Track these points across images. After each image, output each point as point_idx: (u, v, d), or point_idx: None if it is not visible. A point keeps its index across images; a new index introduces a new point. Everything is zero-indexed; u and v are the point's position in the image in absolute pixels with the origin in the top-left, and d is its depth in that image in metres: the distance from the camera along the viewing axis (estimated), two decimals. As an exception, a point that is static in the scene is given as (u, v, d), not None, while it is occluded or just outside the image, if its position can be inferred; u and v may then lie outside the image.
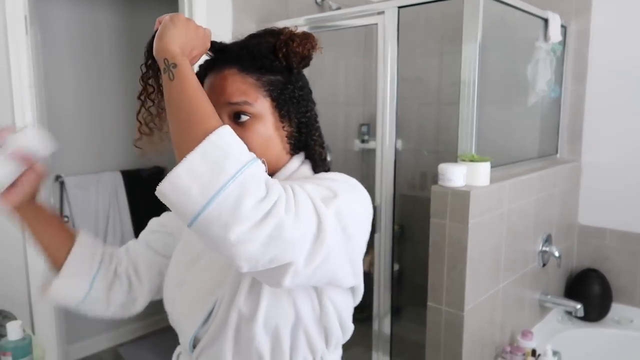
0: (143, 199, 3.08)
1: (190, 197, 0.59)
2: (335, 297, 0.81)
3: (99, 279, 0.94)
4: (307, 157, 0.88)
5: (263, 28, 0.86)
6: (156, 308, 3.50)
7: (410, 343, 2.14)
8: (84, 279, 0.92)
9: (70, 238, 0.94)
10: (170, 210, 0.65)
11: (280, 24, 2.51)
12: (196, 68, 0.83)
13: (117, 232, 2.94)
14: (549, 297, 2.15)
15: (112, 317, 0.99)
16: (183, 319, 0.90)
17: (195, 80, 0.68)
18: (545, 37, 2.08)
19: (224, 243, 0.60)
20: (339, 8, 2.47)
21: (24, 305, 1.85)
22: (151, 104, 0.86)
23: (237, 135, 0.68)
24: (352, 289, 0.84)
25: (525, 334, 1.90)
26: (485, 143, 1.77)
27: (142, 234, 1.03)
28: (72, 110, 2.81)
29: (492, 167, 1.66)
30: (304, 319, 0.79)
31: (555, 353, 1.81)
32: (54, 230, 0.94)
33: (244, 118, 0.77)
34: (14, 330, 1.19)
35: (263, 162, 0.66)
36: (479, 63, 1.68)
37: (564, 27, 2.22)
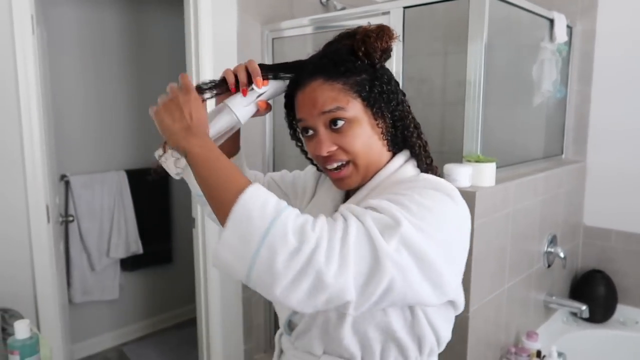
0: (148, 199, 3.10)
1: (235, 268, 0.65)
2: (427, 309, 0.81)
3: None
4: (411, 154, 0.87)
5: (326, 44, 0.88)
6: (160, 308, 3.51)
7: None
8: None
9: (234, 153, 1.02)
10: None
11: (285, 25, 2.52)
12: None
13: (121, 231, 2.95)
14: (554, 298, 2.15)
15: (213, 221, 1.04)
16: (278, 305, 0.93)
17: (207, 151, 0.74)
18: (551, 38, 2.08)
19: (273, 299, 0.65)
20: (343, 8, 2.47)
21: (29, 304, 1.86)
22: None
23: (337, 141, 0.79)
24: (451, 302, 0.84)
25: (530, 335, 1.89)
26: (490, 143, 1.77)
27: (268, 176, 1.09)
28: (78, 110, 2.82)
29: (497, 167, 1.66)
30: (395, 327, 0.80)
31: (560, 354, 1.80)
32: (229, 146, 0.99)
33: (340, 124, 0.79)
34: (21, 329, 1.19)
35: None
36: (485, 63, 1.68)
37: (569, 28, 2.21)
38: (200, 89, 0.86)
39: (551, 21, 2.06)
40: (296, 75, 0.86)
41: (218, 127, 0.86)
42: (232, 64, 2.29)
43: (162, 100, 0.82)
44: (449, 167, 1.60)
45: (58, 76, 2.69)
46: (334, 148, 0.81)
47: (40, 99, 1.85)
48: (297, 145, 0.93)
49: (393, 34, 0.82)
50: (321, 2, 2.58)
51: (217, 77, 0.90)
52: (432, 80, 1.99)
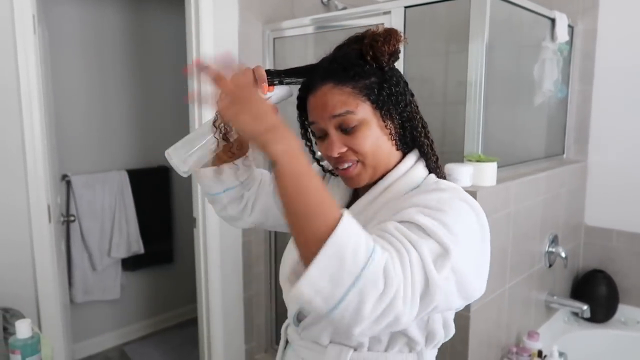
0: (149, 198, 3.10)
1: (317, 306, 0.63)
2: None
3: (229, 192, 1.02)
4: (420, 154, 0.89)
5: (346, 38, 0.88)
6: (161, 308, 3.51)
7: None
8: (221, 185, 1.01)
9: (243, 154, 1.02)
10: None
11: (286, 24, 2.52)
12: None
13: (123, 231, 2.95)
14: (555, 297, 2.14)
15: (222, 218, 1.09)
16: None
17: (297, 165, 0.66)
18: (552, 37, 2.07)
19: (350, 334, 0.70)
20: (345, 8, 2.47)
21: (31, 304, 1.86)
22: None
23: (347, 143, 0.82)
24: None
25: (532, 334, 1.89)
26: (491, 143, 1.77)
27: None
28: (79, 109, 2.82)
29: (498, 167, 1.66)
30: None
31: (561, 354, 1.80)
32: (238, 147, 0.99)
33: (349, 126, 0.82)
34: (23, 329, 1.19)
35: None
36: (486, 63, 1.68)
37: (571, 27, 2.21)
38: None
39: (552, 21, 2.06)
40: (307, 79, 0.88)
41: None
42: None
43: (228, 89, 0.71)
44: (450, 167, 1.60)
45: (59, 76, 2.69)
46: (344, 149, 0.84)
47: (41, 98, 1.86)
48: (305, 145, 0.94)
49: (400, 37, 0.84)
50: (322, 2, 2.58)
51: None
52: (433, 80, 1.99)
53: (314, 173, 0.67)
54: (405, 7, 1.85)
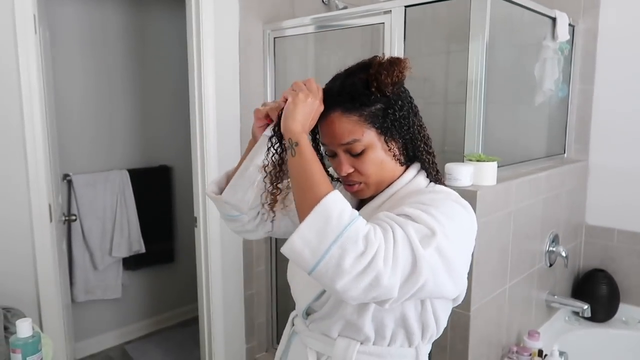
0: (150, 198, 3.10)
1: (305, 258, 0.75)
2: (434, 302, 0.94)
3: (251, 212, 1.06)
4: (421, 167, 0.98)
5: (356, 62, 0.96)
6: (162, 307, 3.51)
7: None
8: (242, 199, 1.03)
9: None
10: None
11: (287, 24, 2.51)
12: None
13: (124, 230, 2.95)
14: (555, 297, 2.14)
15: (237, 233, 1.13)
16: (298, 293, 1.04)
17: (310, 154, 0.84)
18: (553, 36, 2.07)
19: (332, 290, 0.76)
20: (345, 7, 2.47)
21: (32, 303, 1.87)
22: (270, 179, 0.98)
23: (354, 165, 0.92)
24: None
25: (532, 334, 1.89)
26: (492, 142, 1.76)
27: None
28: (80, 109, 2.83)
29: (499, 166, 1.66)
30: (407, 315, 0.93)
31: (562, 353, 1.80)
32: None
33: (356, 152, 0.92)
34: (23, 328, 1.19)
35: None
36: (486, 62, 1.67)
37: (571, 26, 2.21)
38: None
39: (553, 19, 2.05)
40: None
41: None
42: (234, 63, 2.31)
43: (304, 92, 0.89)
44: (451, 166, 1.60)
45: (61, 75, 2.69)
46: (352, 170, 0.94)
47: (42, 98, 1.86)
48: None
49: (404, 66, 0.90)
50: (323, 1, 2.58)
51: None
52: (434, 79, 1.99)
53: (318, 162, 0.84)
54: (406, 7, 1.85)
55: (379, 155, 0.92)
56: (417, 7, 1.85)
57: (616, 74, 2.22)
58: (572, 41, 2.26)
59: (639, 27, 2.16)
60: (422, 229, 0.79)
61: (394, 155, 0.94)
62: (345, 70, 0.96)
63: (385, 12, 1.91)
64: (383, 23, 1.92)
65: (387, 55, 0.91)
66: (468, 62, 1.69)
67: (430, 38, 1.97)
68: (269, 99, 2.45)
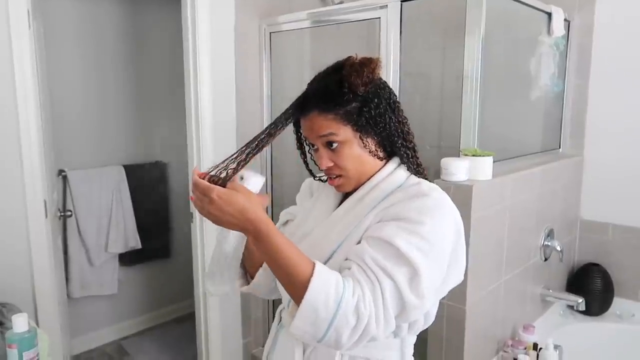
0: (146, 194, 3.10)
1: (308, 340, 0.88)
2: None
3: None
4: (400, 161, 1.00)
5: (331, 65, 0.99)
6: (159, 302, 3.51)
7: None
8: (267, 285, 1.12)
9: None
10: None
11: (282, 18, 2.50)
12: None
13: (119, 226, 2.95)
14: (550, 291, 2.16)
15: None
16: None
17: (273, 240, 0.84)
18: (549, 31, 2.07)
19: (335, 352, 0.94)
20: (341, 2, 2.46)
21: (28, 299, 1.87)
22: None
23: (333, 158, 0.95)
24: None
25: (527, 328, 1.90)
26: (487, 137, 1.77)
27: (283, 217, 1.20)
28: (75, 105, 2.81)
29: (494, 161, 1.66)
30: None
31: (556, 347, 1.81)
32: None
33: (334, 145, 0.95)
34: (19, 323, 1.19)
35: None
36: (482, 57, 1.67)
37: (567, 21, 2.21)
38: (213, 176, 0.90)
39: (549, 15, 2.05)
40: (299, 105, 0.98)
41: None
42: (230, 58, 2.30)
43: (201, 202, 0.86)
44: (446, 161, 1.60)
45: (55, 71, 2.68)
46: (331, 164, 0.97)
47: (37, 94, 1.85)
48: (300, 155, 1.09)
49: (374, 66, 0.91)
50: (319, -4, 2.58)
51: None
52: (430, 74, 1.99)
53: (286, 246, 0.84)
54: (402, 1, 1.85)
55: (356, 151, 0.96)
56: (413, 1, 1.85)
57: (611, 69, 2.23)
58: (567, 36, 2.26)
59: (634, 22, 2.16)
60: (409, 272, 0.85)
61: (370, 151, 0.97)
62: (322, 71, 0.99)
63: (382, 7, 1.91)
64: (379, 18, 1.92)
65: (359, 56, 0.93)
66: (464, 57, 1.69)
67: (426, 33, 1.97)
68: (265, 94, 2.45)
